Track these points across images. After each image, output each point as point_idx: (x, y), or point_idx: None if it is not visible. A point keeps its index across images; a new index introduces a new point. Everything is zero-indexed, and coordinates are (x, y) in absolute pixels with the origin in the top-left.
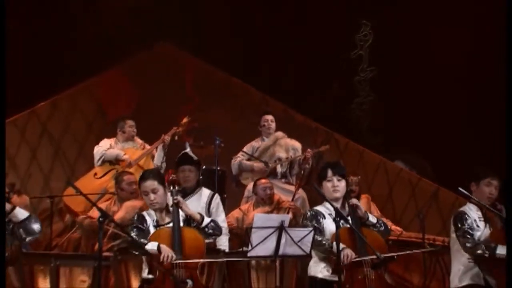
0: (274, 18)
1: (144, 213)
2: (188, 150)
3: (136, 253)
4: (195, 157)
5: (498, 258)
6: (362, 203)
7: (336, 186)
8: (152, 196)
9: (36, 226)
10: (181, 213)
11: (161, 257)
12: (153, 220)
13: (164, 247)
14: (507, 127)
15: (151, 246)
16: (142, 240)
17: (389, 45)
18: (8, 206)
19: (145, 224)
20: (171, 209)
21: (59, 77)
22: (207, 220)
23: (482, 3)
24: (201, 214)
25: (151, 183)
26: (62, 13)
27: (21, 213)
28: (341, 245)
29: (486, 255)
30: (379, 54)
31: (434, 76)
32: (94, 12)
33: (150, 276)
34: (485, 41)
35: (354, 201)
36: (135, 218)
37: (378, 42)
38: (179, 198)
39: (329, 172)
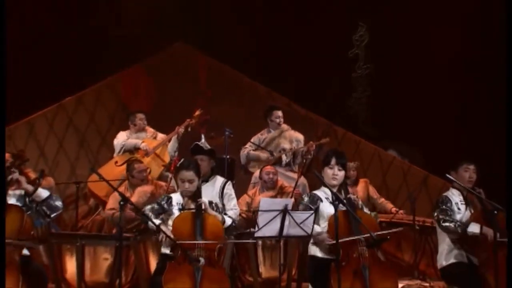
0: (277, 20)
1: (173, 195)
2: (202, 141)
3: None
4: (206, 147)
5: (476, 238)
6: (360, 187)
7: (336, 174)
8: (187, 185)
9: (58, 203)
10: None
11: (160, 237)
12: (179, 203)
13: (164, 229)
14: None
15: (158, 221)
16: (150, 213)
17: (383, 45)
18: (30, 188)
19: (169, 205)
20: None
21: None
22: (228, 221)
23: (475, 2)
24: (222, 216)
25: (190, 174)
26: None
27: (43, 193)
28: (320, 230)
29: (459, 231)
30: (374, 53)
31: (426, 72)
32: (116, 14)
33: (171, 253)
34: (475, 39)
35: (353, 196)
36: (162, 198)
37: (373, 42)
38: (204, 200)
39: (333, 160)
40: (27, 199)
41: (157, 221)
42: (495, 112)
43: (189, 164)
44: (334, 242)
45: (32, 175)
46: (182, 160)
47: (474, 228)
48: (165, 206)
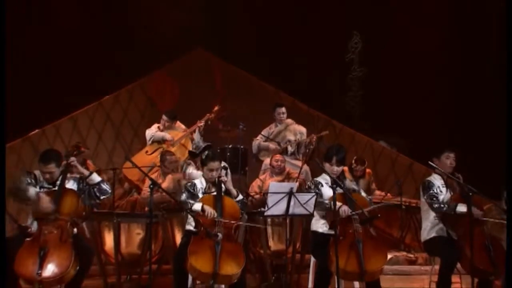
0: (282, 29)
1: (197, 181)
2: (197, 140)
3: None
4: (200, 147)
5: (457, 216)
6: (365, 179)
7: (335, 171)
8: (214, 173)
9: (108, 187)
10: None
11: (206, 214)
12: (202, 188)
13: (207, 207)
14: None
15: (197, 206)
16: (190, 200)
17: (374, 51)
18: (86, 171)
19: (195, 189)
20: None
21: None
22: (240, 196)
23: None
24: (237, 191)
25: (217, 164)
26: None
27: (96, 177)
28: (339, 204)
29: (450, 212)
30: (367, 57)
31: (411, 73)
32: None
33: (195, 230)
34: (456, 40)
35: (348, 182)
36: (189, 185)
37: (366, 48)
38: (224, 177)
39: (334, 159)
40: (81, 184)
41: (196, 205)
42: (475, 107)
43: (215, 155)
44: (350, 213)
45: (90, 164)
46: (207, 152)
47: (462, 208)
48: (193, 191)
